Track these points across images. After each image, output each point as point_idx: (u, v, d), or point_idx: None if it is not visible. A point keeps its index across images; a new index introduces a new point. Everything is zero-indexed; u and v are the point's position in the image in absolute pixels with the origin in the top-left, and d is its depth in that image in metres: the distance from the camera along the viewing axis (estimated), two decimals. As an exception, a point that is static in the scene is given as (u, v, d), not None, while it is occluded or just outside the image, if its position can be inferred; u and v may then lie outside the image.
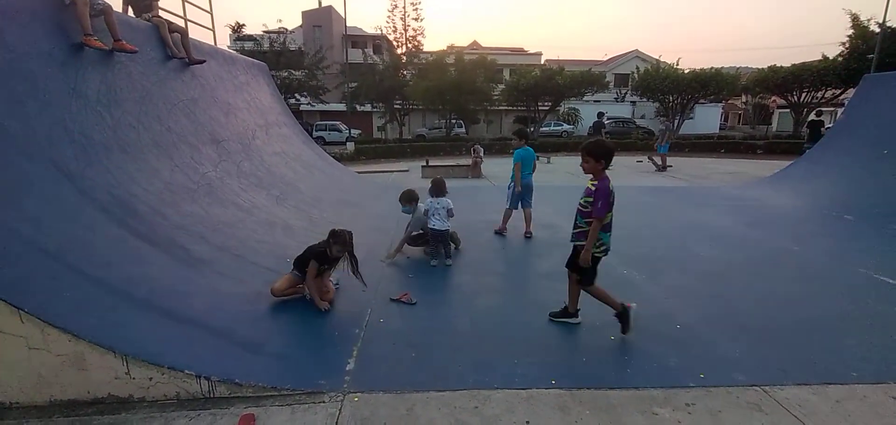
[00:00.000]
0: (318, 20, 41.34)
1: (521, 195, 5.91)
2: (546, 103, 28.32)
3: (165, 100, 5.15)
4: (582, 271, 3.16)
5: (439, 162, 15.43)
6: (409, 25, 31.11)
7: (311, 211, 6.11)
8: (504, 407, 2.43)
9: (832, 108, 29.96)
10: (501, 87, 28.65)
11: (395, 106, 29.83)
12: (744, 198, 8.93)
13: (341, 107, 34.17)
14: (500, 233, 6.08)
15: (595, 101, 32.89)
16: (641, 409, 2.39)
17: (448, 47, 27.52)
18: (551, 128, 32.73)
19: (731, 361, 2.86)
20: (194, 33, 6.50)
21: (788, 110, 29.01)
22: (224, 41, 33.81)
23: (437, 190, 4.81)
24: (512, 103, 29.69)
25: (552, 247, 5.46)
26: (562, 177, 12.30)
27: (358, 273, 3.61)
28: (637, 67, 31.95)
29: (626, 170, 14.14)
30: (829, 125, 19.14)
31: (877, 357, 2.93)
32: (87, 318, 2.49)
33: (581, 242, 3.09)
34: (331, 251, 3.49)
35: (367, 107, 31.94)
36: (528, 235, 5.92)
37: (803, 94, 26.22)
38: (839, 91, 25.16)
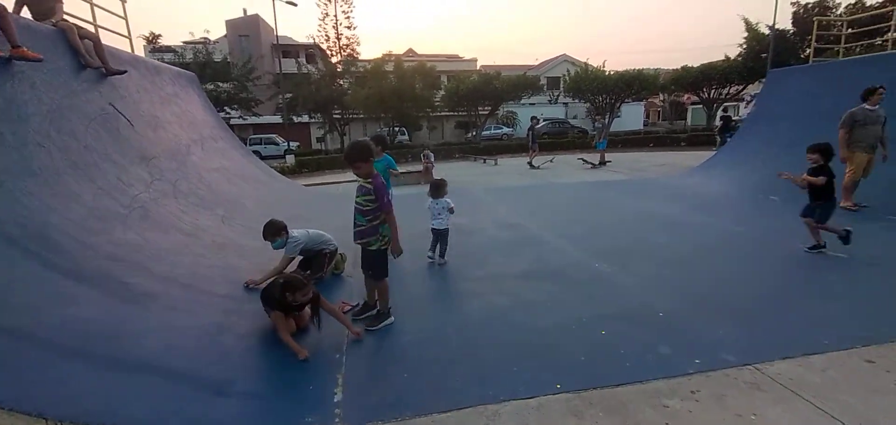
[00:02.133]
0: (245, 29, 39.13)
1: None
2: (486, 107, 28.92)
3: (81, 114, 4.46)
4: (376, 267, 3.24)
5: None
6: (342, 34, 30.46)
7: (260, 228, 5.59)
8: (516, 421, 2.28)
9: (735, 103, 33.53)
10: (441, 93, 28.81)
11: (334, 115, 28.96)
12: (682, 186, 9.57)
13: (276, 119, 32.58)
14: None
15: (531, 104, 34.20)
16: (652, 404, 2.35)
17: (386, 54, 27.16)
18: (492, 131, 33.46)
19: (718, 343, 2.93)
20: (108, 42, 5.74)
21: (701, 105, 31.93)
22: (139, 53, 30.84)
23: (437, 190, 4.90)
24: (452, 108, 29.98)
25: (521, 246, 5.44)
26: (512, 178, 12.51)
27: (318, 320, 3.18)
28: (567, 70, 33.70)
29: (569, 168, 14.72)
30: (736, 118, 21.55)
31: (837, 323, 3.16)
32: (2, 377, 2.00)
33: (369, 240, 3.20)
34: (293, 299, 2.95)
35: (305, 118, 30.72)
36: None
37: (712, 91, 29.03)
38: (741, 86, 28.17)
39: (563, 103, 39.24)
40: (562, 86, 34.86)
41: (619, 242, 5.46)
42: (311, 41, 32.59)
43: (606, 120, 27.98)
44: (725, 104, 31.40)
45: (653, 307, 3.53)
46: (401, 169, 13.79)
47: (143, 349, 2.61)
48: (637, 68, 28.31)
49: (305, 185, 11.67)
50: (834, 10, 24.01)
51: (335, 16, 30.06)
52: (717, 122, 18.40)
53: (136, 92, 5.87)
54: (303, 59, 33.54)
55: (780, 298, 3.65)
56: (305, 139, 35.14)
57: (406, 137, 30.56)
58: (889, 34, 10.78)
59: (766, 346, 2.85)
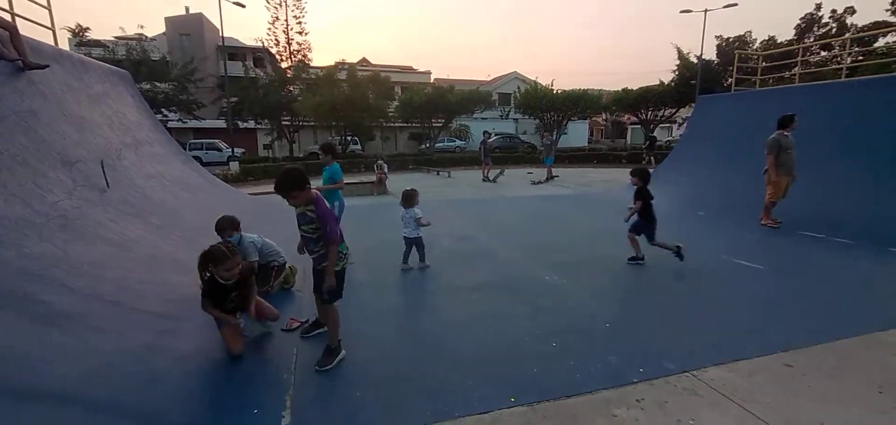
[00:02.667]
0: (186, 28, 36.98)
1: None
2: (439, 120, 29.17)
3: (-10, 111, 3.98)
4: (331, 292, 2.96)
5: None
6: (292, 39, 29.64)
7: (202, 240, 5.22)
8: (472, 437, 2.27)
9: (669, 124, 36.22)
10: (395, 104, 28.73)
11: (284, 122, 27.97)
12: (623, 201, 10.05)
13: (220, 123, 30.92)
14: None
15: (483, 118, 34.91)
16: (602, 413, 2.43)
17: (339, 62, 26.69)
18: (445, 144, 33.76)
19: (659, 351, 3.10)
20: (27, 33, 5.20)
21: (639, 125, 34.15)
22: (64, 48, 28.29)
23: (408, 200, 5.01)
24: (406, 120, 29.97)
25: (475, 258, 5.49)
26: (465, 191, 12.65)
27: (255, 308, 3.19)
28: (518, 87, 34.77)
29: (520, 182, 15.13)
30: (669, 138, 23.33)
31: (758, 329, 3.45)
32: None
33: (322, 267, 2.99)
34: (219, 276, 2.94)
35: (251, 124, 29.41)
36: None
37: (649, 112, 31.15)
38: (674, 109, 30.47)
39: (514, 119, 40.41)
40: (512, 102, 35.94)
41: (569, 255, 5.67)
42: (260, 45, 31.46)
43: (554, 136, 29.19)
44: (660, 125, 33.85)
45: (600, 318, 3.68)
46: (353, 179, 13.57)
47: (59, 377, 2.34)
48: (582, 88, 29.88)
49: (250, 194, 11.11)
50: (751, 45, 26.71)
51: (286, 20, 29.25)
52: (644, 143, 20.08)
53: (60, 90, 5.33)
54: (250, 63, 32.17)
55: (711, 307, 3.94)
56: (252, 146, 33.62)
57: (358, 147, 30.11)
58: (796, 69, 12.14)
59: (702, 353, 3.06)
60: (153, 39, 32.24)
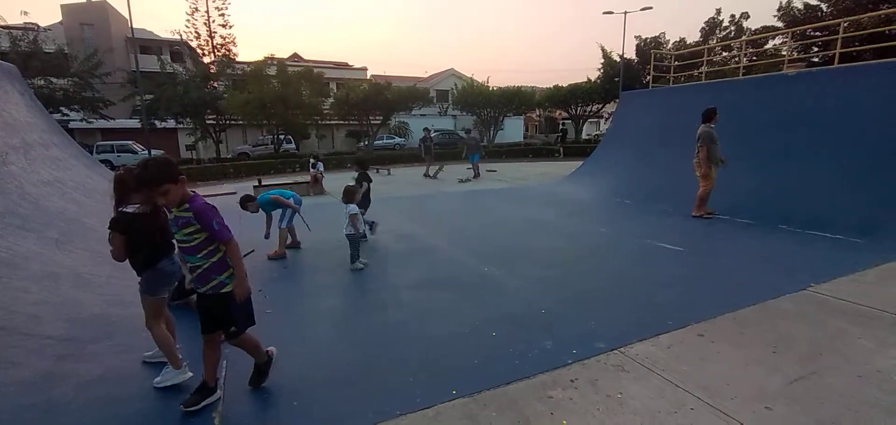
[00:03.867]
0: (88, 18, 33.19)
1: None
2: (377, 117, 28.74)
3: None
4: (236, 318, 2.43)
5: (273, 180, 14.03)
6: (215, 32, 27.68)
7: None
8: (414, 434, 2.25)
9: (597, 118, 38.56)
10: (331, 100, 27.85)
11: (208, 121, 26.04)
12: (556, 193, 10.62)
13: (133, 123, 28.15)
14: (276, 256, 5.54)
15: (421, 115, 34.95)
16: (538, 396, 2.52)
17: (267, 57, 25.34)
18: (385, 141, 33.35)
19: (590, 333, 3.28)
20: None
21: (570, 120, 35.98)
22: (-74, 35, 24.43)
23: (345, 195, 5.01)
24: (343, 117, 29.19)
25: (415, 256, 5.47)
26: (405, 188, 12.56)
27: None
28: (455, 84, 35.25)
29: (459, 176, 15.32)
30: (597, 132, 24.81)
31: (676, 305, 3.77)
32: None
33: (218, 280, 2.36)
34: (137, 205, 2.55)
35: (171, 124, 27.04)
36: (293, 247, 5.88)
37: (578, 108, 32.92)
38: (600, 105, 32.44)
39: (453, 115, 40.90)
40: (450, 98, 36.31)
41: (505, 247, 5.83)
42: (177, 37, 29.04)
43: (490, 132, 29.93)
44: (589, 119, 35.94)
45: (536, 305, 3.82)
46: (287, 180, 12.96)
47: (-71, 419, 2.00)
48: (517, 85, 30.90)
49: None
50: (665, 45, 29.11)
51: (207, 11, 27.25)
52: (557, 137, 21.10)
53: (-80, 84, 4.55)
54: (167, 57, 29.57)
55: (636, 287, 4.24)
56: (173, 147, 30.92)
57: (293, 146, 28.83)
58: (703, 68, 13.46)
59: (628, 330, 3.28)
60: (48, 29, 28.55)
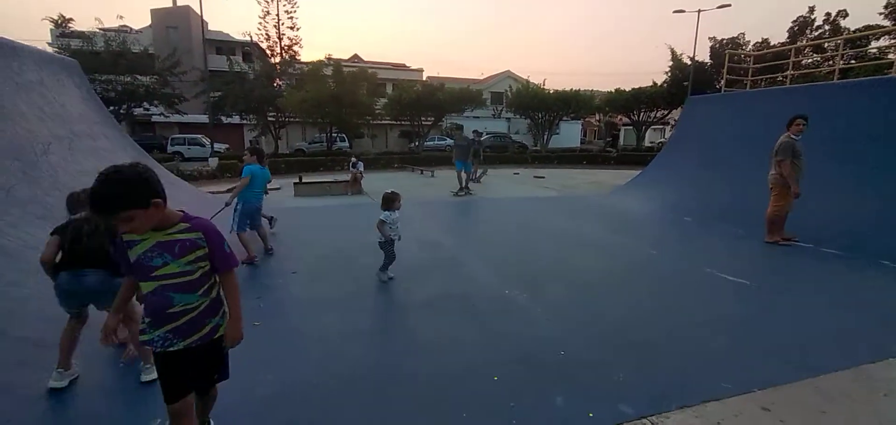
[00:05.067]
0: (173, 21, 36.25)
1: (249, 219, 5.29)
2: (429, 118, 28.69)
3: None
4: (226, 366, 1.99)
5: (315, 178, 14.23)
6: (283, 34, 29.00)
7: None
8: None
9: (661, 126, 35.93)
10: (384, 101, 28.20)
11: (270, 118, 27.35)
12: (606, 205, 9.70)
13: (204, 118, 30.30)
14: (249, 261, 5.07)
15: (475, 117, 34.51)
16: (532, 477, 1.97)
17: (326, 57, 26.12)
18: (436, 142, 33.30)
19: (616, 389, 2.65)
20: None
21: (631, 127, 33.84)
22: (45, 37, 27.72)
23: (386, 203, 4.47)
24: (395, 118, 29.46)
25: (434, 270, 5.02)
26: (445, 192, 12.16)
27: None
28: (510, 86, 34.37)
29: (504, 182, 14.69)
30: (661, 140, 22.92)
31: (734, 361, 3.01)
32: None
33: (215, 324, 1.85)
34: (85, 224, 2.46)
35: (236, 119, 28.73)
36: (252, 261, 5.10)
37: (641, 113, 30.82)
38: (666, 111, 30.13)
39: (506, 118, 40.05)
40: (504, 101, 35.50)
41: (536, 265, 5.22)
42: (249, 39, 30.83)
43: (544, 137, 28.77)
44: (653, 126, 33.59)
45: (556, 343, 3.23)
46: (328, 178, 13.05)
47: None
48: (575, 89, 29.52)
49: (215, 193, 10.55)
50: (744, 47, 26.42)
51: (277, 15, 28.62)
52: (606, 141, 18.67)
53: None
54: (239, 57, 31.52)
55: (685, 331, 3.49)
56: (237, 141, 32.91)
57: (346, 144, 29.54)
58: (788, 71, 11.81)
59: (666, 391, 2.61)
60: (139, 32, 31.52)
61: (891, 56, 17.92)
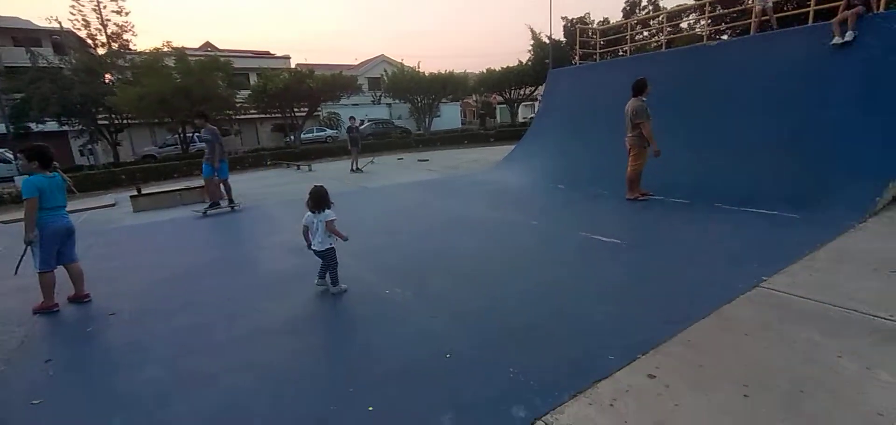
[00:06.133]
0: (-63, 3, 27.58)
1: (57, 246, 3.87)
2: (302, 108, 26.59)
3: None
4: None
5: (161, 187, 12.00)
6: (108, 19, 23.84)
7: None
8: None
9: (531, 102, 38.69)
10: (247, 92, 25.30)
11: (100, 121, 22.58)
12: (487, 181, 9.80)
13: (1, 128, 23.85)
14: (46, 309, 3.85)
15: (354, 105, 33.09)
16: None
17: (165, 45, 22.31)
18: (314, 134, 31.17)
19: (508, 389, 2.35)
20: None
21: (505, 105, 35.78)
22: None
23: (316, 202, 3.69)
24: (263, 110, 26.71)
25: (300, 279, 4.26)
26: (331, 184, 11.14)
27: None
28: (386, 70, 33.64)
29: (388, 168, 14.16)
30: (532, 115, 24.56)
31: (619, 325, 2.97)
32: None
33: None
34: None
35: (53, 126, 23.11)
36: (85, 298, 4.03)
37: (512, 91, 32.69)
38: (534, 88, 32.42)
39: (387, 104, 39.25)
40: (382, 86, 34.63)
41: (418, 255, 4.82)
42: (59, 26, 24.82)
43: (426, 120, 28.83)
44: (523, 103, 35.99)
45: (441, 346, 2.84)
46: (177, 186, 11.03)
47: None
48: (449, 70, 29.97)
49: (5, 222, 8.13)
50: (591, 25, 29.48)
51: (98, -3, 23.38)
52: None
53: None
54: (47, 49, 25.30)
55: (571, 303, 3.40)
56: (64, 153, 26.59)
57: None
58: (626, 46, 13.27)
59: (558, 380, 2.39)
60: None
61: (698, 30, 21.49)
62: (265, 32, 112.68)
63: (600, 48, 14.06)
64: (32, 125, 21.83)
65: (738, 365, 2.42)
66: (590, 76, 10.88)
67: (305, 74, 24.79)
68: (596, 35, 17.44)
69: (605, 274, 3.97)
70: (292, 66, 35.64)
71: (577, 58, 13.92)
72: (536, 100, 39.12)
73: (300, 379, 2.59)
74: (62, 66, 22.28)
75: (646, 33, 26.68)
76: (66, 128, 23.81)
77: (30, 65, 21.74)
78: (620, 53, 21.33)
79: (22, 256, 3.68)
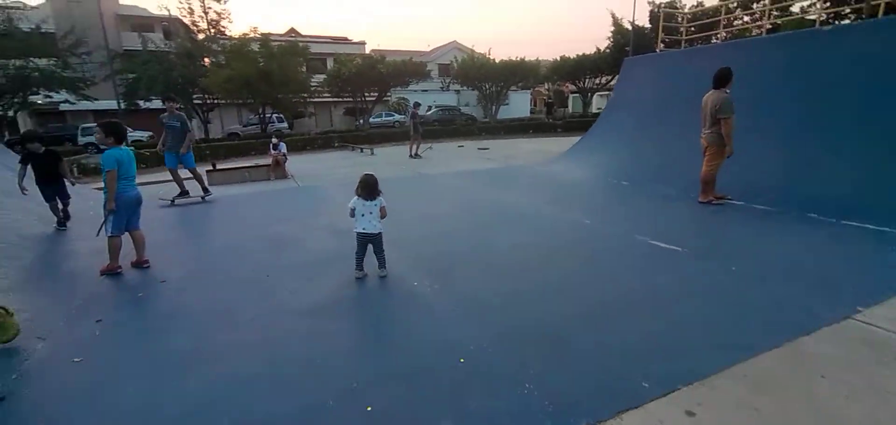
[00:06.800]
0: (76, -5, 32.07)
1: (127, 215, 4.20)
2: (372, 93, 27.40)
3: None
4: None
5: (231, 164, 12.94)
6: (209, 8, 26.23)
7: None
8: None
9: (607, 92, 36.46)
10: (322, 77, 26.56)
11: (195, 101, 25.00)
12: (544, 174, 9.32)
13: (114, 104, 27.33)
14: (111, 270, 4.15)
15: (422, 91, 33.46)
16: None
17: (252, 31, 23.98)
18: (383, 118, 32.02)
19: (516, 407, 2.12)
20: None
21: (578, 94, 34.12)
22: None
23: (369, 191, 3.69)
24: (336, 94, 27.91)
25: (334, 262, 4.27)
26: (381, 170, 11.30)
27: None
28: (455, 57, 33.50)
29: (446, 155, 14.09)
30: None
31: (662, 347, 2.58)
32: None
33: None
34: None
35: (157, 104, 26.04)
36: (144, 264, 4.31)
37: (587, 80, 31.02)
38: (611, 77, 30.45)
39: (455, 90, 39.20)
40: (450, 72, 34.59)
41: (454, 248, 4.63)
42: (167, 13, 27.87)
43: (492, 108, 28.34)
44: (599, 93, 34.03)
45: (457, 348, 2.66)
46: (248, 163, 11.82)
47: None
48: (520, 57, 29.09)
49: (98, 189, 9.17)
50: (682, 10, 26.93)
51: (200, -15, 25.78)
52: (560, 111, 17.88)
53: None
54: (159, 35, 28.45)
55: (609, 316, 3.03)
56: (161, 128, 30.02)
57: (285, 125, 27.68)
58: (721, 32, 11.85)
59: (578, 401, 2.11)
60: (35, 8, 27.61)
61: (812, 15, 18.68)
62: (348, 20, 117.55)
63: (688, 34, 12.74)
64: (140, 102, 24.71)
65: (807, 415, 1.97)
66: (667, 64, 9.88)
67: (377, 60, 25.48)
68: (684, 19, 15.87)
69: (658, 285, 3.51)
70: (368, 51, 36.82)
71: (659, 45, 12.70)
72: (612, 90, 36.91)
73: (307, 366, 2.55)
74: (168, 50, 24.92)
75: (746, 19, 23.80)
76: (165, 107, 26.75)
77: (141, 49, 24.58)
78: (714, 40, 19.29)
79: (104, 222, 4.05)
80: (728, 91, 5.59)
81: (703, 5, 26.30)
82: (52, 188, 5.70)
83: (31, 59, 20.70)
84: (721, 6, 15.63)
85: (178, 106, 7.79)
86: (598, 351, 2.59)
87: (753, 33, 18.83)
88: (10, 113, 21.96)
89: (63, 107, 26.23)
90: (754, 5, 22.19)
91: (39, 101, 23.12)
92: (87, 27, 24.15)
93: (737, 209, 5.60)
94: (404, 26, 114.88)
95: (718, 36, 12.39)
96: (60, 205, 5.79)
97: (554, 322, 2.96)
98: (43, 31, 22.54)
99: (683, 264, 3.94)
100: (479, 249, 4.57)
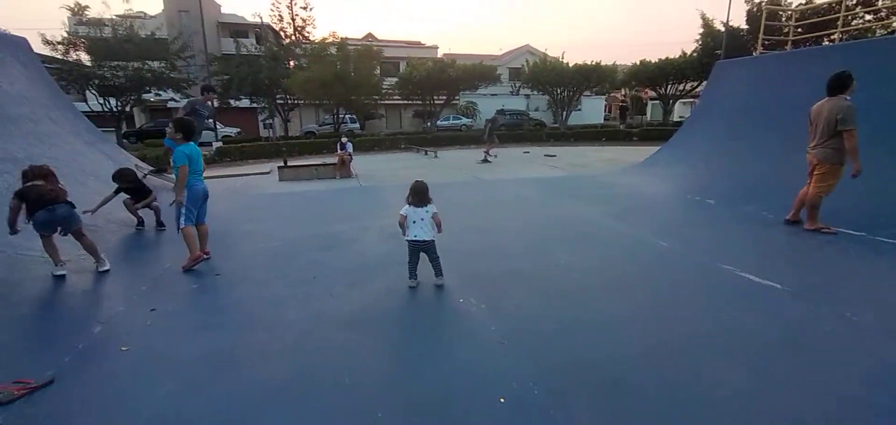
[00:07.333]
0: (185, 4, 36.05)
1: (197, 207, 4.37)
2: (441, 97, 27.61)
3: None
4: None
5: (301, 161, 13.56)
6: (296, 15, 28.26)
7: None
8: None
9: (692, 99, 33.58)
10: (394, 79, 27.29)
11: (278, 101, 26.89)
12: (616, 184, 8.61)
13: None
14: (196, 261, 4.25)
15: (491, 95, 33.16)
16: None
17: (331, 35, 25.26)
18: (450, 121, 32.18)
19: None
20: None
21: (658, 101, 31.76)
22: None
23: (420, 198, 3.60)
24: (407, 97, 28.52)
25: (385, 269, 4.15)
26: (443, 173, 11.23)
27: None
28: (527, 61, 32.74)
29: (512, 161, 13.68)
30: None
31: (750, 412, 2.08)
32: None
33: None
34: None
35: (244, 103, 28.43)
36: (206, 255, 4.46)
37: (669, 87, 28.75)
38: (697, 83, 27.95)
39: (525, 95, 38.38)
40: (521, 77, 33.89)
41: (510, 262, 4.30)
42: (259, 20, 30.38)
43: (562, 113, 27.28)
44: (681, 100, 31.45)
45: (499, 383, 2.35)
46: (315, 161, 12.31)
47: None
48: (596, 61, 27.67)
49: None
50: (786, 10, 23.98)
51: (290, -5, 27.88)
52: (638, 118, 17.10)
53: None
54: (252, 40, 31.13)
55: (679, 366, 2.55)
56: (251, 125, 32.70)
57: (357, 126, 28.83)
58: (835, 33, 10.20)
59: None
60: (153, 17, 31.48)
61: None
62: (424, 24, 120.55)
63: (796, 35, 11.17)
64: (231, 101, 27.09)
65: None
66: (767, 69, 8.69)
67: (447, 64, 25.62)
68: (790, 19, 14.02)
69: (748, 329, 2.92)
70: (440, 55, 37.30)
71: (758, 47, 11.26)
72: (698, 97, 33.87)
73: (334, 386, 2.38)
74: (258, 53, 27.09)
75: (868, 17, 20.57)
76: (254, 105, 29.12)
77: (234, 52, 26.96)
78: (827, 42, 16.89)
79: (180, 214, 4.25)
80: (848, 98, 4.68)
81: (812, 3, 23.25)
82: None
83: (147, 61, 23.57)
84: (839, 2, 13.58)
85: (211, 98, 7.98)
86: (671, 406, 2.15)
87: (875, 33, 16.16)
88: (128, 108, 25.14)
89: (170, 105, 29.68)
90: (879, 2, 19.09)
91: (151, 99, 26.29)
92: (191, 33, 27.05)
93: (854, 241, 4.65)
94: (478, 32, 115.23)
95: (833, 37, 10.72)
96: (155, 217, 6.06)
97: (616, 363, 2.54)
98: (156, 37, 25.55)
99: (783, 304, 3.27)
100: (535, 267, 4.19)
